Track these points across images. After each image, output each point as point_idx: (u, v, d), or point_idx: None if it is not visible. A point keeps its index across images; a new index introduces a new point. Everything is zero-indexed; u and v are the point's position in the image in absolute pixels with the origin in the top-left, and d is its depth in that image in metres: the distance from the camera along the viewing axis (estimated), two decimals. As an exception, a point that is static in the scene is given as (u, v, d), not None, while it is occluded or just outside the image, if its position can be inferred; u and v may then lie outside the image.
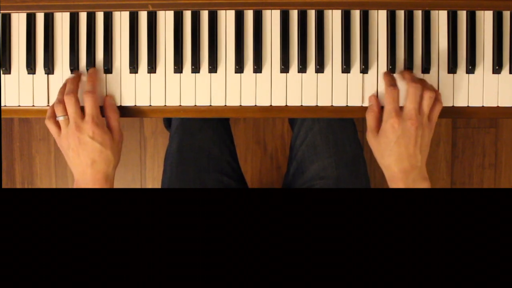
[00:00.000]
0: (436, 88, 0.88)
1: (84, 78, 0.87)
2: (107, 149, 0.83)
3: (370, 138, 0.85)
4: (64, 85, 0.86)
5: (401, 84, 0.86)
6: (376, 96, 0.87)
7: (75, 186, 0.85)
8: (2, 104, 0.89)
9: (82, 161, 0.82)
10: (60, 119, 0.83)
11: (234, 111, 0.89)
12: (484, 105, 0.89)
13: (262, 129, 1.63)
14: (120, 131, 0.86)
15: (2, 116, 0.89)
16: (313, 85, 0.88)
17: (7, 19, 0.88)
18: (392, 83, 0.84)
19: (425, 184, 0.82)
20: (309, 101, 0.88)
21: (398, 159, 0.81)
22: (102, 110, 0.87)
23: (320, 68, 0.88)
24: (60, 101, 0.84)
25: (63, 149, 0.84)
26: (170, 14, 0.88)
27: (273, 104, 0.89)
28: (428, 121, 0.83)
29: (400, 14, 0.88)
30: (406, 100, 0.82)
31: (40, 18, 0.88)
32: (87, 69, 0.88)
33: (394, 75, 0.87)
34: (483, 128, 1.63)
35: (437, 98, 0.84)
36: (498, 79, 0.89)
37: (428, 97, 0.82)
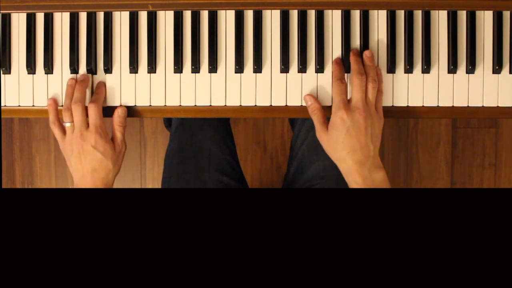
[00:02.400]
0: (437, 87, 0.88)
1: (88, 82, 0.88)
2: (107, 158, 0.85)
3: (321, 135, 0.85)
4: (70, 90, 0.87)
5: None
6: (314, 92, 0.88)
7: None
8: (2, 104, 0.89)
9: (83, 168, 0.85)
10: (67, 125, 0.85)
11: (234, 111, 0.89)
12: (484, 105, 0.89)
13: (262, 129, 1.63)
14: (123, 143, 0.88)
15: (2, 116, 0.89)
16: (313, 85, 0.88)
17: (7, 19, 0.88)
18: (340, 77, 0.85)
19: (380, 173, 0.83)
20: (309, 101, 0.88)
21: (351, 151, 0.82)
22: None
23: (320, 68, 0.88)
24: (69, 108, 0.86)
25: (66, 153, 0.87)
26: (170, 14, 0.88)
27: (273, 104, 0.88)
28: (376, 111, 0.84)
29: (400, 14, 0.88)
30: (352, 92, 0.84)
31: (40, 18, 0.88)
32: (87, 69, 0.88)
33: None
34: (483, 128, 1.63)
35: (378, 89, 0.85)
36: (498, 79, 0.89)
37: (371, 87, 0.84)
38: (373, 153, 0.82)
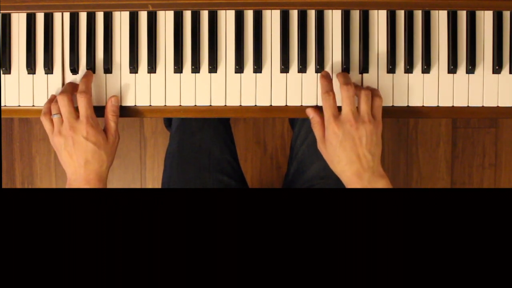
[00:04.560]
0: (437, 87, 0.88)
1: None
2: (100, 149, 0.83)
3: (321, 148, 0.85)
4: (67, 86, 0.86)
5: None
6: (316, 107, 0.88)
7: (67, 185, 0.85)
8: (2, 104, 0.89)
9: (74, 161, 0.83)
10: (55, 117, 0.83)
11: (234, 111, 0.89)
12: (484, 105, 0.89)
13: (262, 129, 1.63)
14: (116, 133, 0.86)
15: (2, 116, 0.89)
16: (313, 85, 0.88)
17: (7, 19, 0.88)
18: (327, 89, 0.84)
19: (382, 182, 0.81)
20: (309, 101, 0.88)
21: (348, 163, 0.81)
22: (100, 110, 0.87)
23: (320, 68, 0.88)
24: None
25: (56, 147, 0.84)
26: (170, 14, 0.88)
27: (273, 104, 0.88)
28: (373, 118, 0.82)
29: (400, 14, 0.88)
30: (342, 104, 0.82)
31: (40, 18, 0.88)
32: (88, 69, 0.88)
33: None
34: (483, 128, 1.63)
35: (374, 94, 0.84)
36: (498, 79, 0.89)
37: (363, 95, 0.82)
38: (372, 162, 0.81)
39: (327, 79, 0.86)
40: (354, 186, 0.81)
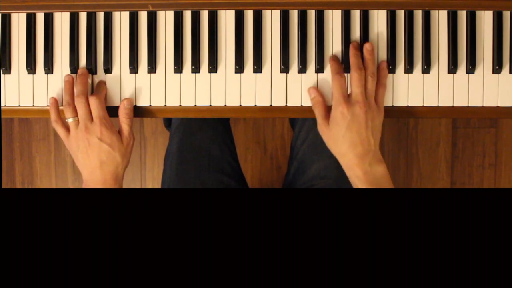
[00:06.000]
0: (437, 87, 0.88)
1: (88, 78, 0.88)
2: (115, 150, 0.84)
3: (322, 128, 0.85)
4: (68, 86, 0.86)
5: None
6: (316, 86, 0.88)
7: (83, 187, 0.86)
8: (2, 104, 0.89)
9: (91, 162, 0.84)
10: (70, 121, 0.85)
11: (234, 111, 0.89)
12: (484, 105, 0.89)
13: (262, 129, 1.63)
14: (130, 135, 0.87)
15: (2, 116, 0.89)
16: (313, 85, 0.88)
17: (7, 19, 0.88)
18: (338, 71, 0.85)
19: (381, 167, 0.83)
20: (309, 101, 0.88)
21: (352, 145, 0.82)
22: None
23: (320, 68, 0.88)
24: (69, 103, 0.85)
25: (72, 150, 0.86)
26: (170, 14, 0.88)
27: (273, 104, 0.89)
28: (376, 104, 0.84)
29: (400, 14, 0.88)
30: (351, 86, 0.84)
31: (40, 18, 0.88)
32: (88, 69, 0.88)
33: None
34: (483, 128, 1.63)
35: (380, 82, 0.86)
36: (498, 79, 0.89)
37: (370, 81, 0.84)
38: (373, 147, 0.83)
39: (337, 61, 0.87)
40: (354, 169, 0.82)
